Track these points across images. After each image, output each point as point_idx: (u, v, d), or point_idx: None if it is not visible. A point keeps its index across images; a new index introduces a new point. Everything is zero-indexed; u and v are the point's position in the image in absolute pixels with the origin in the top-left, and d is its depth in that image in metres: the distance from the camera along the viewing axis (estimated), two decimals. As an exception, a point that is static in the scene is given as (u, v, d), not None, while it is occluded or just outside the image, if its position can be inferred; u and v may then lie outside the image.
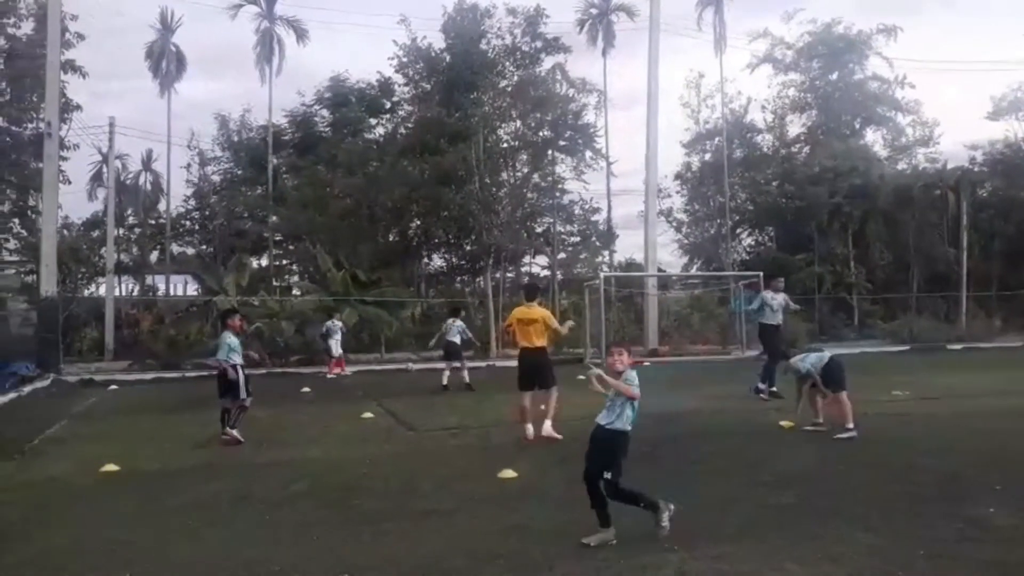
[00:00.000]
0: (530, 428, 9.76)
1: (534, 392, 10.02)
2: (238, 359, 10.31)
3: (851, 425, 9.24)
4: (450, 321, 16.66)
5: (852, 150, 34.27)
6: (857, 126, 37.46)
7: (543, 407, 10.02)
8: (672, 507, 5.49)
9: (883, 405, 12.01)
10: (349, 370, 20.89)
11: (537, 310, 10.44)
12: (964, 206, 33.01)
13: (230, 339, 10.34)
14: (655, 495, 5.56)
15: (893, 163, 36.36)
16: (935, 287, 33.49)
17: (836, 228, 34.19)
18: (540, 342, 10.15)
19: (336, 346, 20.58)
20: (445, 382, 15.87)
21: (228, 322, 10.82)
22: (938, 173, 34.40)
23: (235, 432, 10.07)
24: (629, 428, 5.53)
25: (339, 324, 21.23)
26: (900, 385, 13.99)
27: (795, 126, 38.48)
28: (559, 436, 9.59)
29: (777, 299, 14.06)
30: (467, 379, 16.04)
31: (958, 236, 33.22)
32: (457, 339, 16.32)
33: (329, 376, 20.16)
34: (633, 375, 5.55)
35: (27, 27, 23.61)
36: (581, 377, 15.06)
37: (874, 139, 37.81)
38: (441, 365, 16.84)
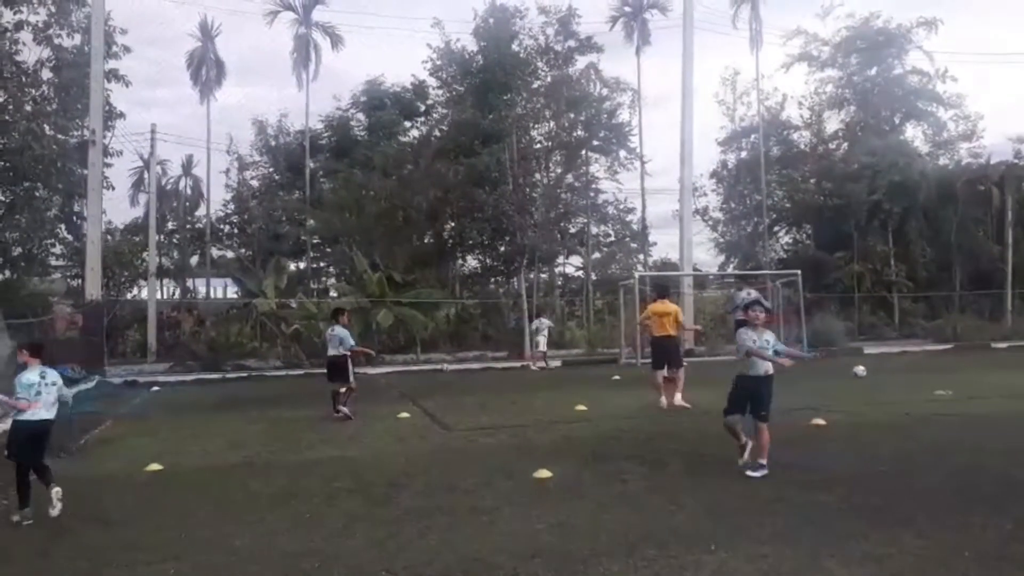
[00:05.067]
0: (664, 399, 12.02)
1: (665, 371, 12.28)
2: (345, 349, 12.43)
3: (764, 461, 7.39)
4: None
5: (892, 146, 33.64)
6: (897, 121, 36.77)
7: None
8: (28, 514, 6.53)
9: (926, 405, 11.82)
10: (382, 370, 21.11)
11: (670, 305, 12.75)
12: (1009, 201, 32.26)
13: (344, 332, 12.45)
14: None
15: (934, 158, 35.64)
16: (979, 285, 32.76)
17: (876, 226, 33.64)
18: (672, 331, 12.36)
19: (544, 342, 22.11)
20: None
21: (340, 319, 12.85)
22: (982, 168, 33.65)
23: (346, 409, 12.03)
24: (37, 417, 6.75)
25: (547, 322, 22.80)
26: (943, 385, 13.71)
27: (833, 122, 37.92)
28: (688, 406, 11.83)
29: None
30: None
31: (1003, 232, 32.48)
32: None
33: (533, 368, 21.62)
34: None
35: (77, 39, 24.21)
36: (616, 377, 15.01)
37: (914, 134, 37.11)
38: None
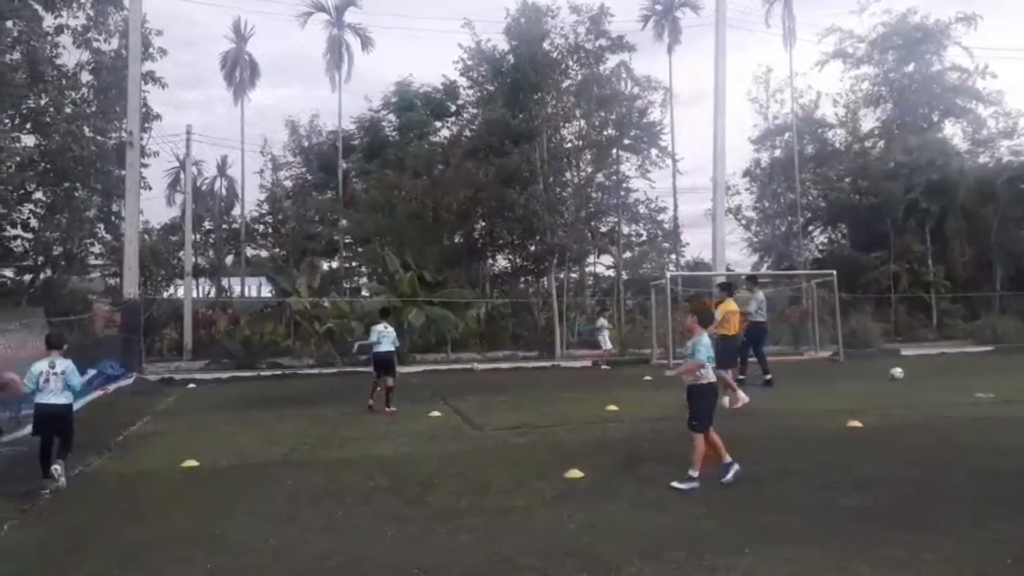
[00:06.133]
0: (726, 400, 11.69)
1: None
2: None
3: (695, 474, 7.04)
4: None
5: (929, 144, 33.04)
6: (935, 119, 36.11)
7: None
8: (48, 484, 7.46)
9: (965, 408, 11.61)
10: (415, 369, 21.26)
11: (724, 303, 13.00)
12: (1052, 200, 31.51)
13: (391, 331, 13.48)
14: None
15: (974, 156, 34.91)
16: (1020, 285, 32.04)
17: (913, 225, 33.06)
18: (724, 330, 12.53)
19: (605, 340, 22.58)
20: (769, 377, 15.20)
21: (389, 318, 14.05)
22: (1023, 166, 32.91)
23: (393, 408, 12.93)
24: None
25: (604, 322, 23.33)
26: (984, 387, 13.44)
27: (869, 120, 37.34)
28: (726, 406, 11.46)
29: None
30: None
31: (1045, 231, 31.76)
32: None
33: (602, 367, 21.98)
34: None
35: (115, 42, 24.66)
36: (648, 378, 14.92)
37: (953, 132, 36.39)
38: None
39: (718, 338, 12.78)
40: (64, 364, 7.75)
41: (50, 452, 7.73)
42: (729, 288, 13.96)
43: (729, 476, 7.16)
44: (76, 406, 14.27)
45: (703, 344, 7.28)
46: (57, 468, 7.56)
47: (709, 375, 7.27)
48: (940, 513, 6.01)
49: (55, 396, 7.65)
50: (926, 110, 35.86)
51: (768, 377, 15.02)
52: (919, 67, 35.13)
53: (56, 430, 7.72)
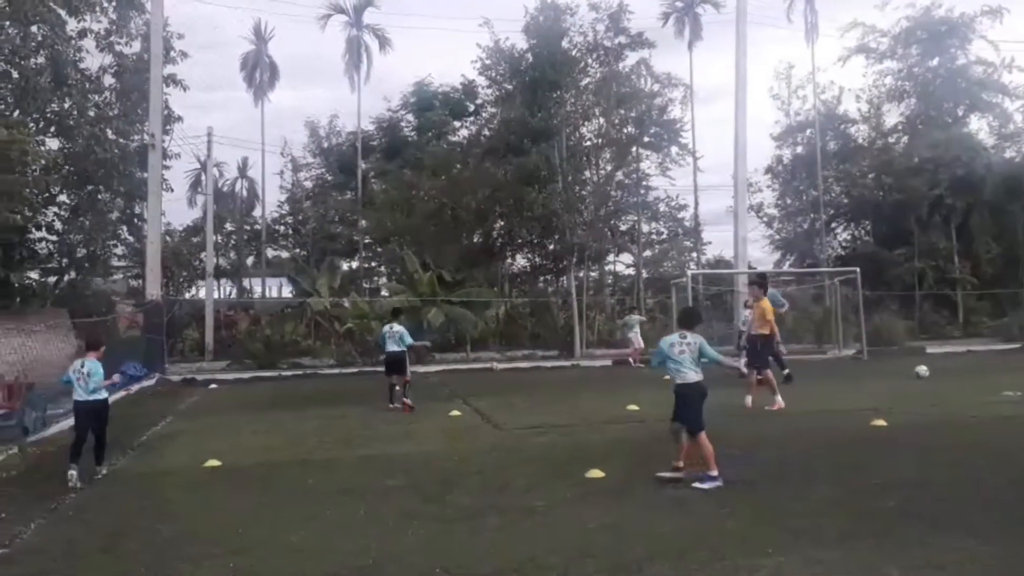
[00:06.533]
0: (748, 399, 12.05)
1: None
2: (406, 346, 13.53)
3: (715, 472, 7.01)
4: None
5: (954, 139, 32.62)
6: (960, 114, 35.65)
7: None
8: (73, 475, 7.83)
9: (992, 407, 11.42)
10: (434, 368, 21.30)
11: (762, 302, 12.73)
12: (1081, 194, 31.00)
13: (404, 330, 13.48)
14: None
15: (1000, 151, 34.43)
16: (1049, 281, 31.56)
17: (938, 221, 32.66)
18: (762, 329, 12.44)
19: (637, 338, 22.23)
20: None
21: (400, 318, 14.06)
22: (1051, 161, 32.44)
23: (409, 401, 12.90)
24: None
25: (636, 318, 23.27)
26: (1011, 386, 13.22)
27: (892, 116, 36.96)
28: (749, 405, 11.93)
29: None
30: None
31: (1074, 226, 31.24)
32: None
33: (633, 365, 21.69)
34: None
35: (137, 46, 24.96)
36: (668, 377, 14.85)
37: (979, 127, 35.94)
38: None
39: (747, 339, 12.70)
40: (90, 366, 8.17)
41: (82, 446, 8.08)
42: (764, 285, 13.48)
43: (668, 473, 7.18)
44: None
45: (660, 343, 7.52)
46: (100, 469, 8.38)
47: (688, 375, 7.26)
48: (969, 515, 5.90)
49: (88, 393, 8.11)
50: (951, 105, 35.42)
51: (787, 372, 14.79)
52: (943, 61, 34.71)
53: (92, 424, 8.19)
